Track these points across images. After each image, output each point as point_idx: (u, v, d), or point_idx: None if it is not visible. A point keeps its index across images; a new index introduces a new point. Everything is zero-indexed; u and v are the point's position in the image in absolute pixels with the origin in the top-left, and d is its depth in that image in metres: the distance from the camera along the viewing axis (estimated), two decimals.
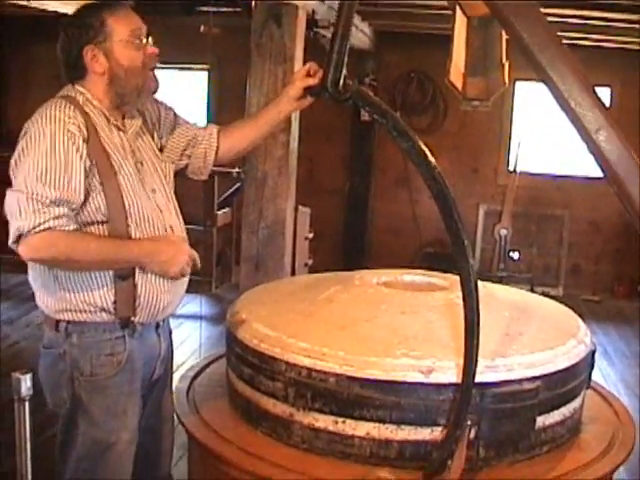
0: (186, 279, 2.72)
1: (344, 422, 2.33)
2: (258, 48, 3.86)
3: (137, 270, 2.52)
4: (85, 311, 2.50)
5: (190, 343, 5.39)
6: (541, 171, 8.09)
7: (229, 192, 7.85)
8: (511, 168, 7.55)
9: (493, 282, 3.38)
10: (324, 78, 2.19)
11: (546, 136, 7.87)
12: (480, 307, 2.51)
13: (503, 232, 7.30)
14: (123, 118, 2.64)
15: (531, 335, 2.53)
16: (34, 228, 2.30)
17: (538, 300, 3.05)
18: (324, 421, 2.35)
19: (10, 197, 2.36)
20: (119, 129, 2.59)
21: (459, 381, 2.21)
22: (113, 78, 2.54)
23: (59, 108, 2.45)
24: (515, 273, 7.36)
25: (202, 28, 6.06)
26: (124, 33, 2.53)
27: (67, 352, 2.52)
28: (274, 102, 2.95)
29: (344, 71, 2.18)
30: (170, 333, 2.85)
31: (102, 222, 2.48)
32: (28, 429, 1.97)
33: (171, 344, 2.86)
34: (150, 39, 2.62)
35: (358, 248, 8.38)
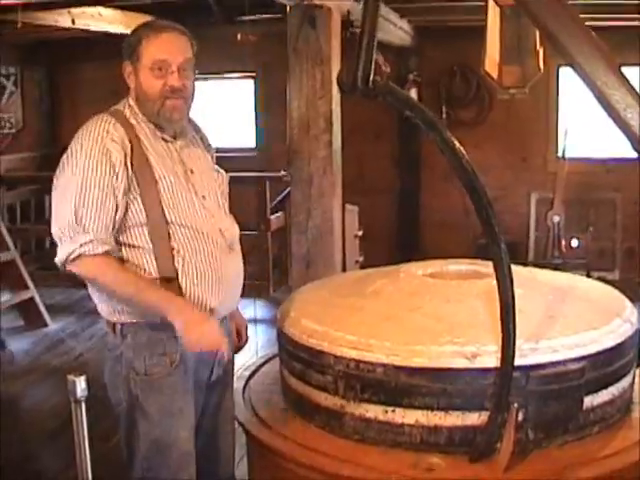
0: (237, 289, 2.82)
1: (393, 411, 2.38)
2: (295, 52, 3.92)
3: (180, 272, 2.60)
4: (137, 312, 2.60)
5: (250, 346, 5.47)
6: (590, 155, 8.01)
7: (281, 196, 7.93)
8: (559, 155, 7.50)
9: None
10: (354, 76, 2.23)
11: (592, 120, 7.79)
12: (524, 291, 2.55)
13: (556, 219, 7.23)
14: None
15: (575, 316, 2.54)
16: (67, 257, 2.50)
17: (583, 282, 3.06)
18: (374, 411, 2.41)
19: (53, 224, 2.57)
20: (164, 139, 2.68)
21: None
22: (138, 97, 2.65)
23: (98, 124, 2.57)
24: (570, 259, 7.29)
25: (239, 37, 6.13)
26: (148, 60, 2.60)
27: (123, 353, 2.62)
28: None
29: (373, 67, 2.22)
30: (229, 334, 2.91)
31: (142, 225, 2.59)
32: (85, 429, 2.07)
33: (230, 345, 2.92)
34: (192, 71, 2.67)
35: (412, 244, 8.39)
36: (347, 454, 2.40)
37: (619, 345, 2.47)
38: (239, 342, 3.04)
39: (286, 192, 7.80)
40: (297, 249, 4.11)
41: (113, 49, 9.13)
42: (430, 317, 2.52)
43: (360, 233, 5.28)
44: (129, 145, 2.56)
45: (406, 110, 2.18)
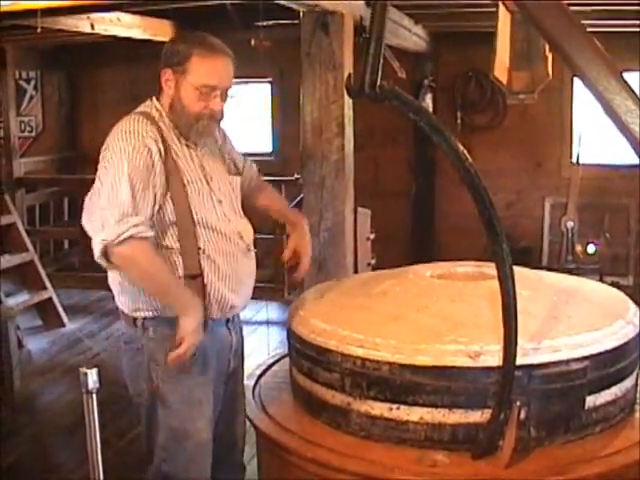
0: (251, 287, 2.91)
1: (398, 408, 2.42)
2: (308, 57, 3.98)
3: (206, 270, 2.69)
4: (159, 308, 2.68)
5: (264, 348, 5.54)
6: (603, 161, 8.01)
7: (297, 200, 7.98)
8: (574, 160, 7.52)
9: None
10: (362, 81, 2.28)
11: (606, 126, 7.78)
12: (529, 292, 2.60)
13: (569, 224, 7.24)
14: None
15: (579, 317, 2.58)
16: (117, 238, 2.51)
17: (588, 284, 3.09)
18: (380, 408, 2.45)
19: (95, 215, 2.59)
20: (187, 145, 2.75)
21: None
22: (172, 105, 2.71)
23: (136, 123, 2.65)
24: (584, 264, 7.30)
25: (252, 42, 6.20)
26: (197, 80, 2.65)
27: (145, 345, 2.71)
28: (279, 211, 3.22)
29: (380, 72, 2.26)
30: (241, 328, 3.01)
31: (172, 224, 2.68)
32: (97, 420, 2.13)
33: (242, 337, 3.02)
34: (226, 95, 2.74)
35: (426, 248, 8.42)
36: (353, 450, 2.45)
37: (622, 346, 2.51)
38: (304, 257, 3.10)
39: (302, 196, 7.84)
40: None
41: (132, 53, 9.20)
42: (436, 317, 2.57)
43: (372, 236, 5.33)
44: (163, 147, 2.64)
45: (412, 114, 2.23)
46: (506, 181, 8.11)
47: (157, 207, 2.63)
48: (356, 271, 4.52)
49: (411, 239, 8.72)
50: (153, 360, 2.70)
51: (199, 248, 2.69)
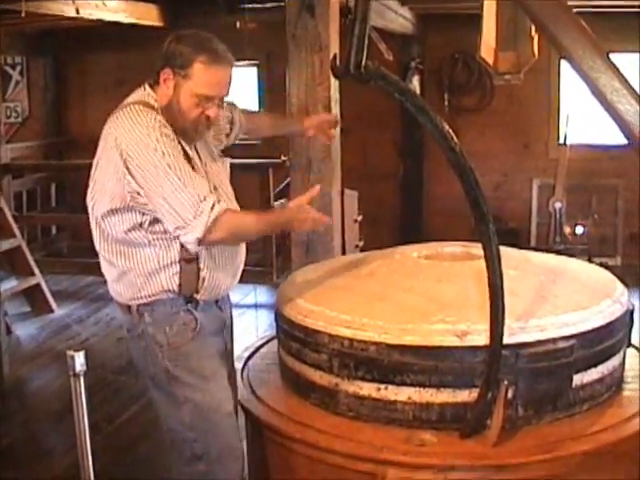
0: (241, 265, 2.91)
1: (386, 388, 2.44)
2: (294, 39, 3.96)
3: (202, 255, 2.68)
4: (152, 295, 2.68)
5: (253, 331, 5.55)
6: (592, 142, 8.01)
7: (285, 183, 7.97)
8: (561, 141, 7.52)
9: None
10: (347, 61, 2.27)
11: (594, 106, 7.77)
12: (516, 272, 2.60)
13: (557, 205, 7.26)
14: None
15: (566, 296, 2.59)
16: (205, 229, 2.50)
17: (575, 264, 3.10)
18: (368, 388, 2.47)
19: (167, 218, 2.55)
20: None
21: None
22: (169, 105, 2.66)
23: (145, 114, 2.59)
24: (572, 245, 7.32)
25: (238, 25, 6.18)
26: (197, 87, 2.61)
27: (144, 331, 2.70)
28: (288, 122, 3.54)
29: (365, 53, 2.25)
30: (230, 304, 3.00)
31: None
32: (84, 403, 2.13)
33: (232, 314, 3.02)
34: (221, 105, 2.74)
35: (415, 230, 8.43)
36: (341, 430, 2.46)
37: (608, 325, 2.52)
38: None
39: (289, 178, 7.82)
40: (296, 234, 4.16)
41: (119, 38, 9.10)
42: (423, 297, 2.58)
43: (360, 218, 5.33)
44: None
45: (397, 94, 2.23)
46: (493, 163, 8.13)
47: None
48: (344, 253, 4.52)
49: (399, 221, 8.72)
50: (155, 343, 2.68)
51: None
